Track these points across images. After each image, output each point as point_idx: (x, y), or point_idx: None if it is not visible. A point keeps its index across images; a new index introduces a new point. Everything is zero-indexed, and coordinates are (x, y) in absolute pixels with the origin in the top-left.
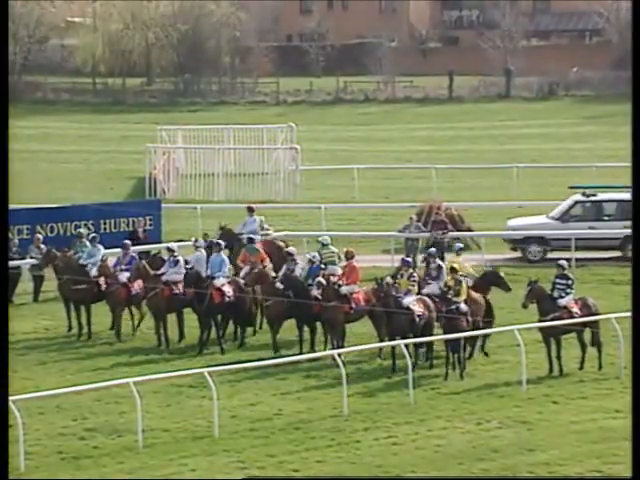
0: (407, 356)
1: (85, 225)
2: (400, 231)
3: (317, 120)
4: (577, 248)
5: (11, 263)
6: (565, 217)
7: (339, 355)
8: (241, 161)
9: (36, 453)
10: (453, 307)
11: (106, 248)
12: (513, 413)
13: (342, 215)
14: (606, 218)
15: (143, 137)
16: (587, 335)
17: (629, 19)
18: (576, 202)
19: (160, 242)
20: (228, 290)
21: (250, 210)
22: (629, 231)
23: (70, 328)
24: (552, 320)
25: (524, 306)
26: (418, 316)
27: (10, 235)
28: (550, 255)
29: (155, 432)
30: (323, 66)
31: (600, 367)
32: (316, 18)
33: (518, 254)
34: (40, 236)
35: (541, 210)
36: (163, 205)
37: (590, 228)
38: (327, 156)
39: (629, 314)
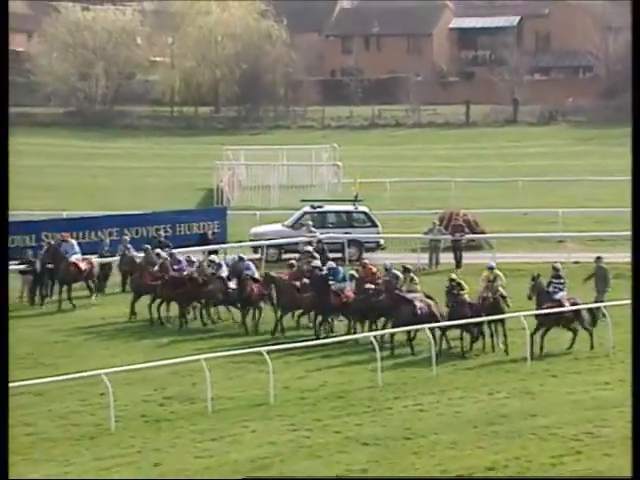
0: (431, 339)
1: (164, 229)
2: (425, 233)
3: (356, 141)
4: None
5: (103, 260)
6: (296, 225)
7: (374, 337)
8: (292, 175)
9: (124, 417)
10: (458, 300)
11: (181, 248)
12: (519, 385)
13: None
14: (330, 225)
15: (212, 156)
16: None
17: (616, 57)
18: (305, 212)
19: (226, 243)
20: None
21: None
22: (351, 236)
23: (151, 315)
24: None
25: (529, 297)
26: (419, 309)
27: (102, 237)
28: (284, 256)
29: (221, 400)
30: (361, 97)
31: (592, 347)
32: (355, 57)
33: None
34: (127, 237)
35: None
36: (228, 212)
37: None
38: (364, 171)
39: (617, 303)
